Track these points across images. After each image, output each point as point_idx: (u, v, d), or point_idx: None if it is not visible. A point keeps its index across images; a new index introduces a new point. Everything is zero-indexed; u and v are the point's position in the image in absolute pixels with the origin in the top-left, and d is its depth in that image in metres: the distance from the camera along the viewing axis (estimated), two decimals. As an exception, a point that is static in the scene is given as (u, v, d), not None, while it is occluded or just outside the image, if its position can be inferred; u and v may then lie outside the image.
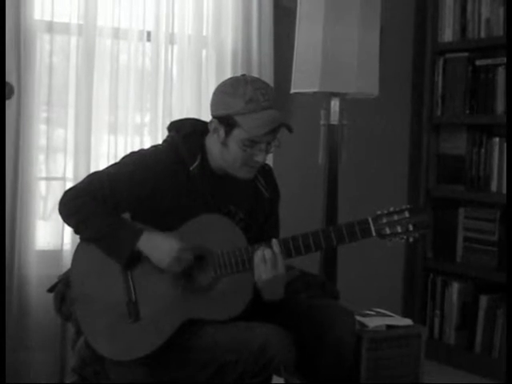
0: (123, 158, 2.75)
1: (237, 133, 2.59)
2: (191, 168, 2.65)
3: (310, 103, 3.88)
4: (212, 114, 2.67)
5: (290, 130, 2.63)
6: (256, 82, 2.64)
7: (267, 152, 2.64)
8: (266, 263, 2.52)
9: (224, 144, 2.62)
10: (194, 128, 2.73)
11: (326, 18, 3.46)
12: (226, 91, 2.63)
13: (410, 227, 2.53)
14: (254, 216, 2.75)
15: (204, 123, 2.75)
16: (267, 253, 2.52)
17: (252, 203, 2.76)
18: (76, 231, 2.65)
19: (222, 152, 2.64)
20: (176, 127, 2.75)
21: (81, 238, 2.67)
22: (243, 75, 2.73)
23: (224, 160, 2.65)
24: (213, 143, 2.67)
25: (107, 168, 2.72)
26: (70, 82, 3.68)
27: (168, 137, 2.76)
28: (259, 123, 2.57)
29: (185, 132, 2.71)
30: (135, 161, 2.67)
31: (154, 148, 2.76)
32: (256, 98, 2.58)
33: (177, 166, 2.65)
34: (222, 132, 2.62)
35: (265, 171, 2.79)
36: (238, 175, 2.66)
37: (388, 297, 4.48)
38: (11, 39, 3.46)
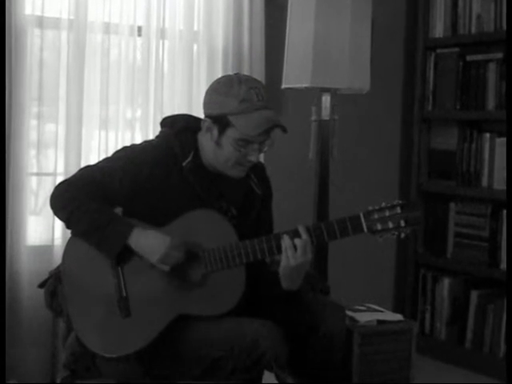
0: (116, 152, 2.74)
1: (230, 132, 2.58)
2: (184, 164, 2.64)
3: (301, 98, 3.87)
4: (205, 113, 2.66)
5: (284, 130, 2.62)
6: (250, 81, 2.63)
7: (260, 151, 2.64)
8: (297, 249, 2.52)
9: (217, 143, 2.62)
10: (186, 124, 2.72)
11: (317, 13, 3.46)
12: (219, 90, 2.62)
13: (402, 223, 2.52)
14: (245, 213, 2.74)
15: (197, 119, 2.74)
16: (297, 240, 2.52)
17: (244, 200, 2.75)
18: (67, 225, 2.64)
19: (214, 151, 2.63)
20: (169, 123, 2.75)
21: (72, 233, 2.66)
22: (236, 74, 2.72)
23: (217, 158, 2.64)
24: (206, 141, 2.66)
25: (99, 162, 2.72)
26: (60, 77, 3.67)
27: (161, 132, 2.75)
28: (252, 124, 2.56)
29: (178, 128, 2.70)
30: (128, 155, 2.66)
31: (147, 143, 2.76)
32: (250, 98, 2.57)
33: (169, 161, 2.64)
34: (215, 131, 2.61)
35: (257, 168, 2.78)
36: (230, 174, 2.66)
37: (379, 292, 4.49)
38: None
